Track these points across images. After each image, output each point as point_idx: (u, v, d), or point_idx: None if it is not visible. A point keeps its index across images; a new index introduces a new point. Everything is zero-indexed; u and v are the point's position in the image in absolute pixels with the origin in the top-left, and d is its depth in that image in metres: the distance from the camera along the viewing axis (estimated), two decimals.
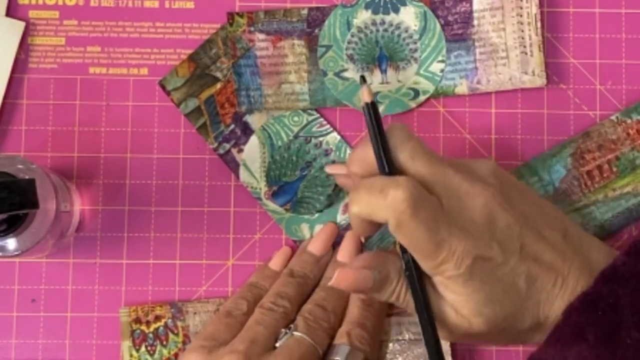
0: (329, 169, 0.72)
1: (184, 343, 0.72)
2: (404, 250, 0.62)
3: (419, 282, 0.62)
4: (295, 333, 0.66)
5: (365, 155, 0.62)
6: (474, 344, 0.72)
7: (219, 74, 0.73)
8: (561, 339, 0.62)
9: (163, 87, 0.73)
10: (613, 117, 0.73)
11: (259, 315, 0.68)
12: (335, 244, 0.73)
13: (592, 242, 0.67)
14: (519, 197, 0.65)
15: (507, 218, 0.62)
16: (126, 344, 0.72)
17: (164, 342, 0.72)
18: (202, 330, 0.69)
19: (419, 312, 0.62)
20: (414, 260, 0.62)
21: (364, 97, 0.63)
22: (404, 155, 0.61)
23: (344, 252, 0.71)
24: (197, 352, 0.66)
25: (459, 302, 0.62)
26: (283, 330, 0.67)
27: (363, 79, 0.63)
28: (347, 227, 0.73)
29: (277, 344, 0.66)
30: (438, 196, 0.61)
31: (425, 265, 0.61)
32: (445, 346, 0.71)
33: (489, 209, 0.62)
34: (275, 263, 0.72)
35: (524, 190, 0.67)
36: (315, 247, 0.72)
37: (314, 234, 0.73)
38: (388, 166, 0.61)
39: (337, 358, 0.66)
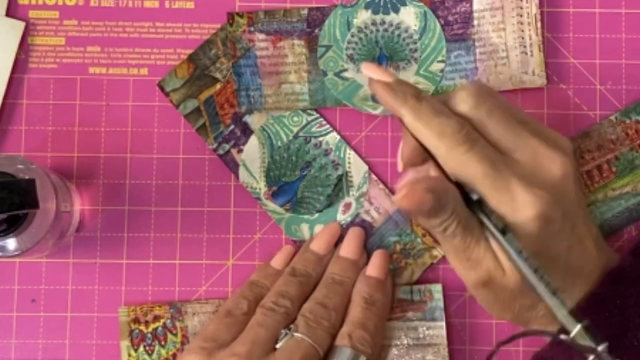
0: (365, 67, 0.66)
1: (182, 343, 0.72)
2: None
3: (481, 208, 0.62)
4: (296, 334, 0.66)
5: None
6: (483, 303, 0.70)
7: (218, 75, 0.73)
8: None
9: (162, 89, 0.73)
10: (612, 117, 0.73)
11: (260, 316, 0.67)
12: (337, 244, 0.73)
13: (606, 245, 0.68)
14: (581, 182, 0.66)
15: (576, 195, 0.63)
16: (125, 343, 0.72)
17: (163, 342, 0.72)
18: (202, 330, 0.69)
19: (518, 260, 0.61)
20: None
21: None
22: (481, 111, 0.62)
23: (348, 246, 0.71)
24: (197, 353, 0.65)
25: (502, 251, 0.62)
26: (283, 330, 0.67)
27: None
28: (348, 226, 0.73)
29: (277, 345, 0.66)
30: (510, 151, 0.62)
31: (490, 203, 0.61)
32: (444, 352, 0.71)
33: (567, 179, 0.62)
34: (277, 261, 0.72)
35: None
36: (318, 245, 0.72)
37: (314, 233, 0.73)
38: None
39: None
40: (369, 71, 0.65)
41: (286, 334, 0.66)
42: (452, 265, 0.65)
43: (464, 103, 0.63)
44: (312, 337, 0.66)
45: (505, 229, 0.61)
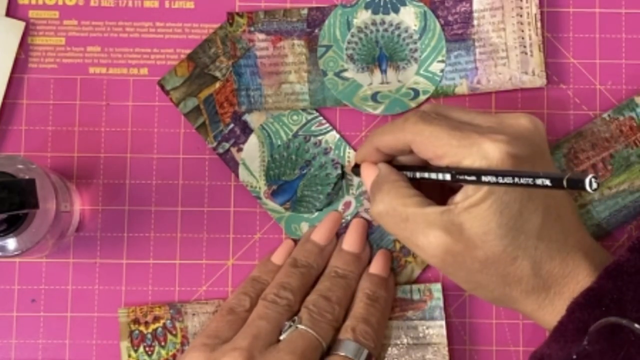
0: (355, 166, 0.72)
1: (182, 344, 0.72)
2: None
3: None
4: (299, 326, 0.66)
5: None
6: (457, 276, 0.69)
7: (218, 74, 0.73)
8: (565, 334, 0.62)
9: (162, 87, 0.73)
10: (605, 115, 0.73)
11: (261, 308, 0.68)
12: (339, 234, 0.73)
13: (592, 240, 0.68)
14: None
15: (547, 148, 0.65)
16: (125, 344, 0.72)
17: (163, 343, 0.72)
18: (204, 328, 0.69)
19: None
20: None
21: None
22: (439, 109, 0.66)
23: (351, 240, 0.71)
24: (200, 350, 0.65)
25: (477, 214, 0.61)
26: (287, 323, 0.67)
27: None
28: (349, 225, 0.73)
29: (281, 337, 0.66)
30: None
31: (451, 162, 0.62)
32: (444, 351, 0.71)
33: (536, 124, 0.64)
34: (278, 257, 0.72)
35: None
36: (319, 236, 0.72)
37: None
38: None
39: (341, 353, 0.66)
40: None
41: (290, 326, 0.66)
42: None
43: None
44: (316, 330, 0.66)
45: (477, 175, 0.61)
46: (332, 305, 0.68)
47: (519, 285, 0.63)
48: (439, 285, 0.72)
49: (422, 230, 0.63)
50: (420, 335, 0.72)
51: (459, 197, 0.62)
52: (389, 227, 0.65)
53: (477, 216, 0.61)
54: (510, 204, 0.61)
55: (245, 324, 0.67)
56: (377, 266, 0.71)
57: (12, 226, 0.64)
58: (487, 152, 0.60)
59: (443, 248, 0.62)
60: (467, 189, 0.62)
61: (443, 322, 0.72)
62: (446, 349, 0.71)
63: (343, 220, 0.73)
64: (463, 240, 0.62)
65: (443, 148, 0.62)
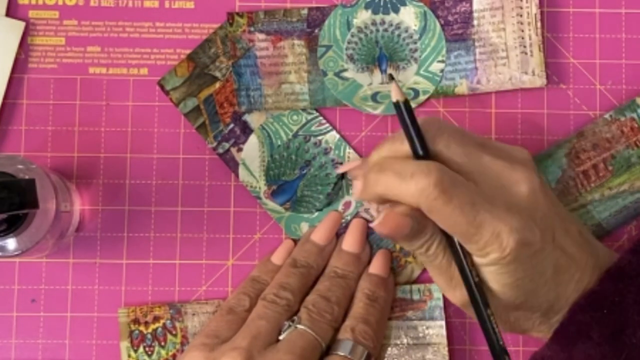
0: (341, 169, 0.72)
1: (182, 344, 0.72)
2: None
3: (463, 253, 0.62)
4: (299, 326, 0.66)
5: (398, 149, 0.62)
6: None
7: (218, 74, 0.73)
8: (566, 336, 0.62)
9: (162, 87, 0.73)
10: (607, 116, 0.73)
11: (261, 308, 0.67)
12: (339, 234, 0.73)
13: (597, 241, 0.67)
14: (549, 190, 0.66)
15: (547, 205, 0.62)
16: (124, 344, 0.72)
17: (162, 343, 0.72)
18: (204, 328, 0.69)
19: (461, 270, 0.62)
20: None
21: (395, 95, 0.61)
22: (439, 146, 0.61)
23: (350, 240, 0.71)
24: (199, 349, 0.65)
25: (490, 279, 0.61)
26: (286, 322, 0.67)
27: (391, 76, 0.63)
28: (349, 225, 0.73)
29: (280, 337, 0.66)
30: (476, 182, 0.60)
31: (469, 247, 0.61)
32: (444, 351, 0.71)
33: (535, 196, 0.62)
34: (278, 257, 0.72)
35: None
36: (319, 236, 0.72)
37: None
38: (423, 151, 0.60)
39: (340, 353, 0.66)
40: (342, 169, 0.71)
41: (289, 325, 0.66)
42: (439, 286, 0.65)
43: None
44: (315, 330, 0.66)
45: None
46: (331, 306, 0.68)
47: (530, 320, 0.65)
48: None
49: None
50: (420, 335, 0.72)
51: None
52: None
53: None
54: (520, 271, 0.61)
55: (244, 323, 0.67)
56: (376, 266, 0.71)
57: (12, 226, 0.64)
58: (501, 239, 0.59)
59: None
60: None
61: (443, 322, 0.72)
62: (446, 349, 0.71)
63: (343, 220, 0.73)
64: None
65: (456, 229, 0.60)
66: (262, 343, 0.65)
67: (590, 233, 0.68)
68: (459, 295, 0.63)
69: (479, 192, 0.60)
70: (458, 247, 0.61)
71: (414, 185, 0.59)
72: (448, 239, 0.62)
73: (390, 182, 0.60)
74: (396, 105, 0.61)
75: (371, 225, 0.61)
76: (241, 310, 0.69)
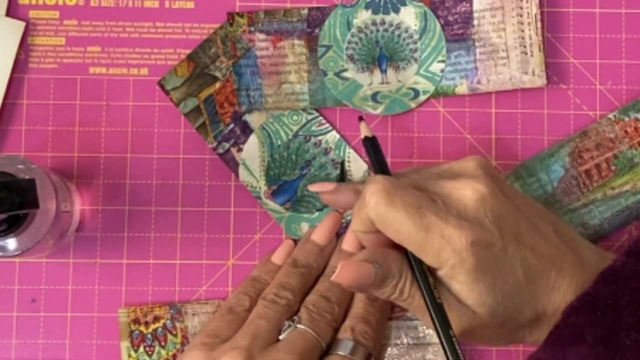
0: (312, 188, 0.71)
1: (182, 344, 0.72)
2: (407, 250, 0.62)
3: (422, 274, 0.62)
4: (299, 326, 0.66)
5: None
6: (474, 343, 0.72)
7: (218, 74, 0.73)
8: (560, 339, 0.62)
9: (162, 87, 0.73)
10: (610, 116, 0.73)
11: (261, 308, 0.67)
12: (339, 234, 0.73)
13: (582, 241, 0.67)
14: (509, 190, 0.65)
15: (501, 205, 0.62)
16: (125, 344, 0.72)
17: (163, 343, 0.72)
18: (204, 327, 0.69)
19: (428, 301, 0.61)
20: (417, 259, 0.62)
21: (363, 132, 0.67)
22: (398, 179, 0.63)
23: (349, 240, 0.71)
24: (199, 349, 0.65)
25: (463, 291, 0.61)
26: (286, 322, 0.67)
27: (360, 118, 0.69)
28: (348, 225, 0.73)
29: (281, 337, 0.66)
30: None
31: (425, 257, 0.61)
32: None
33: (481, 195, 0.62)
34: (278, 257, 0.72)
35: (510, 186, 0.68)
36: (319, 236, 0.72)
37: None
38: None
39: (340, 353, 0.66)
40: (314, 188, 0.70)
41: (289, 325, 0.66)
42: (428, 326, 0.66)
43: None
44: (315, 330, 0.66)
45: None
46: (331, 305, 0.68)
47: (521, 331, 0.65)
48: None
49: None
50: (421, 335, 0.72)
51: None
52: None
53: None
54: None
55: (245, 323, 0.67)
56: None
57: (12, 226, 0.64)
58: (451, 242, 0.60)
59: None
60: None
61: None
62: None
63: (343, 221, 0.73)
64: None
65: (405, 236, 0.61)
66: (262, 343, 0.65)
67: (575, 233, 0.68)
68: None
69: (428, 200, 0.61)
70: (417, 270, 0.62)
71: (363, 202, 0.61)
72: (412, 268, 0.62)
73: (355, 211, 0.63)
74: (364, 141, 0.67)
75: (332, 278, 0.61)
76: (241, 310, 0.69)
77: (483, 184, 0.62)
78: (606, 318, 0.62)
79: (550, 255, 0.63)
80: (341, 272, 0.61)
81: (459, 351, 0.60)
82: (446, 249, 0.60)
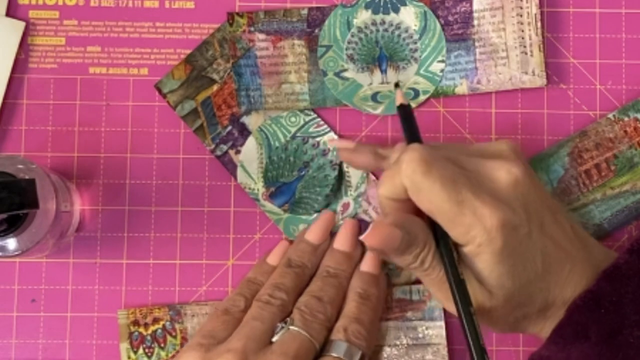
0: (332, 143, 0.72)
1: (181, 345, 0.72)
2: (433, 222, 0.63)
3: (447, 247, 0.62)
4: (292, 327, 0.66)
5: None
6: (484, 325, 0.71)
7: (215, 76, 0.73)
8: (564, 336, 0.62)
9: (159, 90, 0.73)
10: (610, 116, 0.73)
11: (256, 309, 0.67)
12: (332, 233, 0.73)
13: (591, 239, 0.68)
14: (536, 179, 0.66)
15: (530, 190, 0.63)
16: (124, 345, 0.72)
17: (162, 345, 0.72)
18: (200, 328, 0.68)
19: (451, 275, 0.62)
20: (444, 233, 0.62)
21: (399, 99, 0.67)
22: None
23: (342, 239, 0.71)
24: (195, 350, 0.65)
25: (484, 271, 0.62)
26: (279, 324, 0.66)
27: (397, 84, 0.70)
28: None
29: (274, 339, 0.66)
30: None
31: (454, 232, 0.61)
32: (443, 351, 0.71)
33: (515, 178, 0.63)
34: (273, 258, 0.72)
35: (536, 175, 0.68)
36: (313, 235, 0.72)
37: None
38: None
39: (334, 354, 0.66)
40: (334, 143, 0.72)
41: (282, 327, 0.66)
42: (439, 300, 0.66)
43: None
44: (308, 331, 0.66)
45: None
46: (324, 306, 0.68)
47: (527, 319, 0.65)
48: None
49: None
50: (420, 335, 0.72)
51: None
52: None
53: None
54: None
55: (240, 324, 0.67)
56: (367, 263, 0.71)
57: (12, 226, 0.64)
58: (482, 220, 0.61)
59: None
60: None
61: (442, 323, 0.72)
62: (446, 349, 0.71)
63: (342, 222, 0.73)
64: None
65: (437, 208, 0.61)
66: (256, 345, 0.65)
67: (585, 231, 0.68)
68: None
69: (464, 175, 0.61)
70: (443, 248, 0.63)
71: (398, 169, 0.61)
72: (436, 241, 0.63)
73: (386, 176, 0.63)
74: (398, 108, 0.67)
75: (361, 238, 0.61)
76: (236, 310, 0.68)
77: (517, 167, 0.63)
78: (609, 316, 0.62)
79: (566, 249, 0.64)
80: (371, 233, 0.61)
81: (479, 329, 0.61)
82: (476, 227, 0.60)
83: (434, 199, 0.61)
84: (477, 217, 0.60)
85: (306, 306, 0.67)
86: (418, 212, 0.63)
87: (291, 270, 0.70)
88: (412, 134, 0.66)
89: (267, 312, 0.67)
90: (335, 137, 0.73)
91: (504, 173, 0.63)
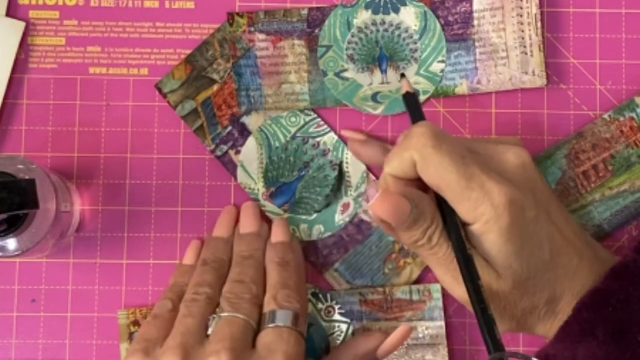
0: (345, 132, 0.73)
1: None
2: (440, 200, 0.63)
3: (454, 223, 0.63)
4: (222, 314, 0.65)
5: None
6: None
7: (215, 76, 0.73)
8: (570, 334, 0.62)
9: (159, 90, 0.73)
10: (605, 116, 0.73)
11: (184, 309, 0.66)
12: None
13: (595, 242, 0.68)
14: (542, 176, 0.67)
15: (538, 176, 0.65)
16: (124, 346, 0.72)
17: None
18: (135, 336, 0.67)
19: (458, 250, 0.62)
20: (452, 210, 0.63)
21: (404, 88, 0.69)
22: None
23: (246, 222, 0.72)
24: (135, 356, 0.64)
25: (492, 249, 0.62)
26: (210, 317, 0.66)
27: (403, 75, 0.71)
28: (347, 226, 0.73)
29: (209, 332, 0.65)
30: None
31: (461, 208, 0.62)
32: (443, 351, 0.71)
33: (522, 161, 0.64)
34: (189, 258, 0.72)
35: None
36: (221, 231, 0.71)
37: (312, 234, 0.73)
38: None
39: (270, 325, 0.65)
40: (346, 133, 0.73)
41: (214, 318, 0.65)
42: (444, 284, 0.65)
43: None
44: (239, 312, 0.65)
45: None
46: (247, 286, 0.67)
47: (535, 313, 0.65)
48: (438, 286, 0.72)
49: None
50: (420, 335, 0.72)
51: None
52: None
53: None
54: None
55: (172, 324, 0.66)
56: (276, 234, 0.71)
57: (12, 226, 0.64)
58: (491, 196, 0.61)
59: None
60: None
61: (442, 323, 0.72)
62: (446, 349, 0.71)
63: (341, 222, 0.73)
64: None
65: (446, 182, 0.62)
66: (193, 339, 0.64)
67: (587, 233, 0.69)
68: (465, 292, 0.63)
69: (472, 153, 0.63)
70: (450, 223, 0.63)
71: (407, 142, 0.62)
72: (443, 220, 0.63)
73: (394, 153, 0.63)
74: (404, 96, 0.68)
75: (368, 205, 0.62)
76: (165, 311, 0.67)
77: (525, 152, 0.64)
78: (617, 314, 0.62)
79: (573, 242, 0.64)
80: (379, 201, 0.61)
81: (487, 302, 0.60)
82: (484, 202, 0.61)
83: (442, 172, 0.61)
84: (485, 192, 0.61)
85: (230, 292, 0.67)
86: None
87: (209, 267, 0.69)
88: (419, 120, 0.67)
89: (196, 307, 0.66)
90: (335, 137, 0.73)
91: (512, 156, 0.64)
